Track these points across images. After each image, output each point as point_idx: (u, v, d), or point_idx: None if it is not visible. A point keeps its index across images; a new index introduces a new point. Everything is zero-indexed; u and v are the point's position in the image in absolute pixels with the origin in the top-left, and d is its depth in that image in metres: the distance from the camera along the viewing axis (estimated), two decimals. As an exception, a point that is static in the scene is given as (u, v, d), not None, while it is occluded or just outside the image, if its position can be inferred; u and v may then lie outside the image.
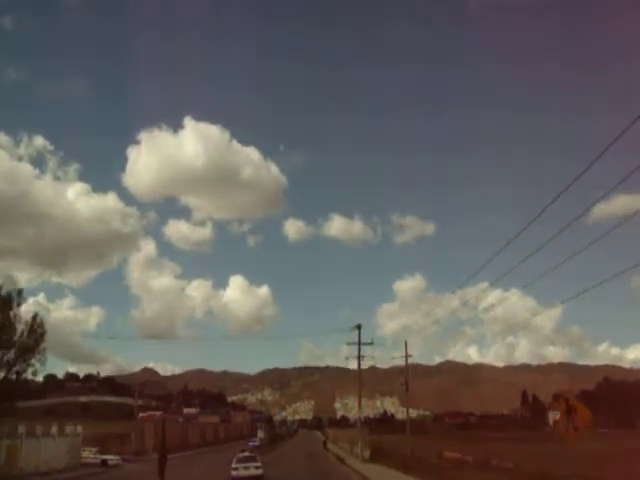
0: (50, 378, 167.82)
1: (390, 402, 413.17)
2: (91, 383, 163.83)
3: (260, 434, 78.20)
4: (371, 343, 52.42)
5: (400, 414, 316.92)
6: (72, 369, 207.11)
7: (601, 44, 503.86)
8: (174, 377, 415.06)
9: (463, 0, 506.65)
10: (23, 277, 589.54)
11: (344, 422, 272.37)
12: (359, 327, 52.16)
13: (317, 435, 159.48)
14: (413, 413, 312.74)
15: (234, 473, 33.75)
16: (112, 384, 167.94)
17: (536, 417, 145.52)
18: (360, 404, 55.18)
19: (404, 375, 53.22)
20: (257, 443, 76.73)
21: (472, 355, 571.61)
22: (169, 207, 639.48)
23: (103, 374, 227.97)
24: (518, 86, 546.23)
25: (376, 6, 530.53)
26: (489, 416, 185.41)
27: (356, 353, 52.66)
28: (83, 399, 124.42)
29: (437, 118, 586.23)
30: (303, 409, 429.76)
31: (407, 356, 52.09)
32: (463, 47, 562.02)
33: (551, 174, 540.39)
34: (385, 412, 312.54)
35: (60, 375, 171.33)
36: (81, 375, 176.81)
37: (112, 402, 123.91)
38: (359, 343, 52.21)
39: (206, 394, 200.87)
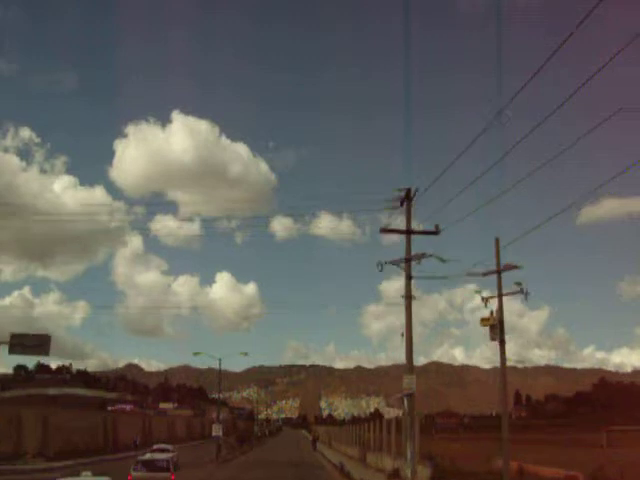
0: (20, 369, 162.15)
1: (376, 402, 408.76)
2: (63, 375, 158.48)
3: (216, 430, 50.30)
4: (436, 232, 24.98)
5: (386, 414, 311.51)
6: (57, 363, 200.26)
7: (602, 46, 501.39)
8: (158, 373, 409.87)
9: (462, 1, 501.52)
10: (8, 270, 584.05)
11: (330, 420, 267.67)
12: (408, 197, 25.42)
13: (303, 434, 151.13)
14: (397, 413, 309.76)
15: None
16: (86, 377, 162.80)
17: (533, 417, 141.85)
18: (411, 359, 26.52)
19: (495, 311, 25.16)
20: (166, 456, 32.08)
21: (458, 356, 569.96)
22: (157, 202, 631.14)
23: (88, 369, 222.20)
24: (516, 88, 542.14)
25: (371, 6, 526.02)
26: (483, 417, 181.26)
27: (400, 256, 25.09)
28: (53, 391, 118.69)
29: (430, 118, 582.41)
30: (288, 407, 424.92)
31: (500, 272, 24.46)
32: (460, 49, 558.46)
33: (547, 178, 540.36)
34: (377, 410, 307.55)
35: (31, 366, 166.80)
36: (54, 367, 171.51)
37: (84, 395, 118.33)
38: (408, 231, 25.20)
39: (185, 389, 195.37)
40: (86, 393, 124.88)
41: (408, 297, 25.72)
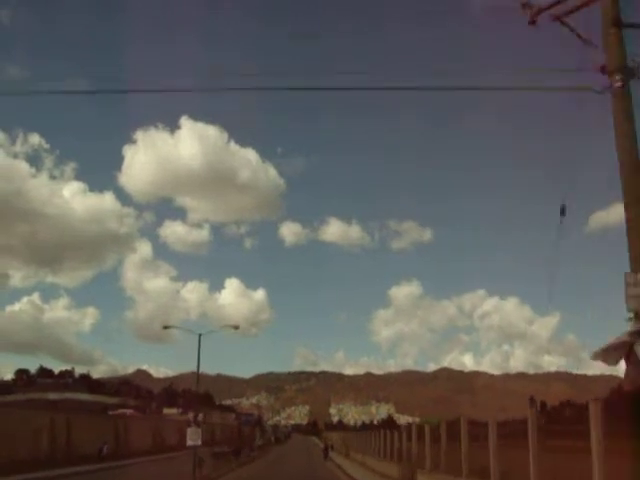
0: (22, 373, 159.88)
1: (386, 409, 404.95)
2: (65, 379, 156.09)
3: (192, 436, 34.89)
4: None
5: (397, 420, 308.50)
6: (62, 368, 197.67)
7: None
8: (167, 379, 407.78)
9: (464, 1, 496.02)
10: (18, 275, 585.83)
11: (340, 427, 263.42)
12: None
13: (314, 441, 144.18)
14: (409, 419, 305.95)
15: None
16: (89, 381, 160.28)
17: (552, 424, 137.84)
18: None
19: None
20: None
21: (467, 363, 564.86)
22: (165, 208, 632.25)
23: (97, 375, 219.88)
24: (518, 93, 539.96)
25: (376, 8, 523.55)
26: (498, 424, 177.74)
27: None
28: (53, 396, 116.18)
29: (437, 124, 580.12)
30: (298, 414, 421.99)
31: None
32: (464, 51, 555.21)
33: (548, 185, 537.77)
34: (390, 416, 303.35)
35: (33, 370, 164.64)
36: (56, 371, 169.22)
37: (85, 400, 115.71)
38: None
39: (191, 394, 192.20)
40: (87, 398, 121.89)
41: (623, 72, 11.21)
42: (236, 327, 42.56)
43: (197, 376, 33.87)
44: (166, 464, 49.30)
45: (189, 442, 35.20)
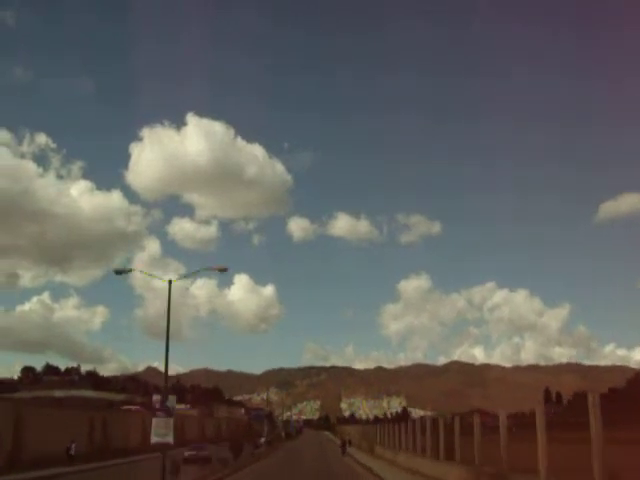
0: (28, 371, 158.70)
1: (397, 402, 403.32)
2: (72, 377, 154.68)
3: (158, 431, 25.29)
4: None
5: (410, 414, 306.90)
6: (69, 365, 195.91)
7: (604, 51, 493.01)
8: (178, 376, 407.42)
9: (468, 2, 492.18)
10: (28, 275, 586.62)
11: (352, 421, 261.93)
12: None
13: (327, 437, 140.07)
14: (420, 413, 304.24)
15: None
16: (95, 378, 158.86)
17: (570, 416, 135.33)
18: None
19: None
20: None
21: (478, 355, 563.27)
22: (173, 205, 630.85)
23: (107, 373, 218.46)
24: (521, 92, 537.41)
25: (380, 7, 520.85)
26: (516, 415, 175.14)
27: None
28: (58, 393, 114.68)
29: (445, 119, 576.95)
30: (309, 409, 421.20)
31: None
32: (467, 49, 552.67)
33: (552, 180, 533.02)
34: (404, 409, 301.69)
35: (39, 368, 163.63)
36: (62, 368, 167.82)
37: (91, 397, 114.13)
38: None
39: (200, 390, 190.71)
40: (93, 395, 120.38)
41: None
42: (222, 269, 33.32)
43: (167, 327, 28.65)
44: (141, 467, 40.59)
45: (154, 438, 25.26)
